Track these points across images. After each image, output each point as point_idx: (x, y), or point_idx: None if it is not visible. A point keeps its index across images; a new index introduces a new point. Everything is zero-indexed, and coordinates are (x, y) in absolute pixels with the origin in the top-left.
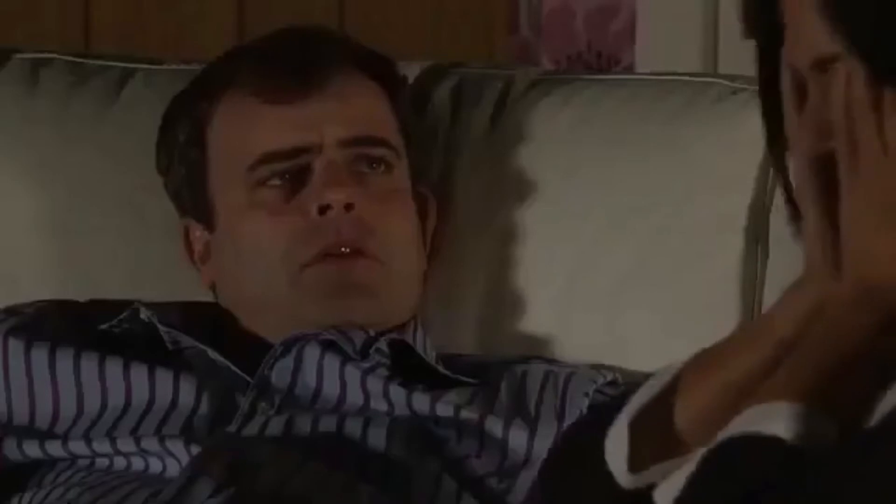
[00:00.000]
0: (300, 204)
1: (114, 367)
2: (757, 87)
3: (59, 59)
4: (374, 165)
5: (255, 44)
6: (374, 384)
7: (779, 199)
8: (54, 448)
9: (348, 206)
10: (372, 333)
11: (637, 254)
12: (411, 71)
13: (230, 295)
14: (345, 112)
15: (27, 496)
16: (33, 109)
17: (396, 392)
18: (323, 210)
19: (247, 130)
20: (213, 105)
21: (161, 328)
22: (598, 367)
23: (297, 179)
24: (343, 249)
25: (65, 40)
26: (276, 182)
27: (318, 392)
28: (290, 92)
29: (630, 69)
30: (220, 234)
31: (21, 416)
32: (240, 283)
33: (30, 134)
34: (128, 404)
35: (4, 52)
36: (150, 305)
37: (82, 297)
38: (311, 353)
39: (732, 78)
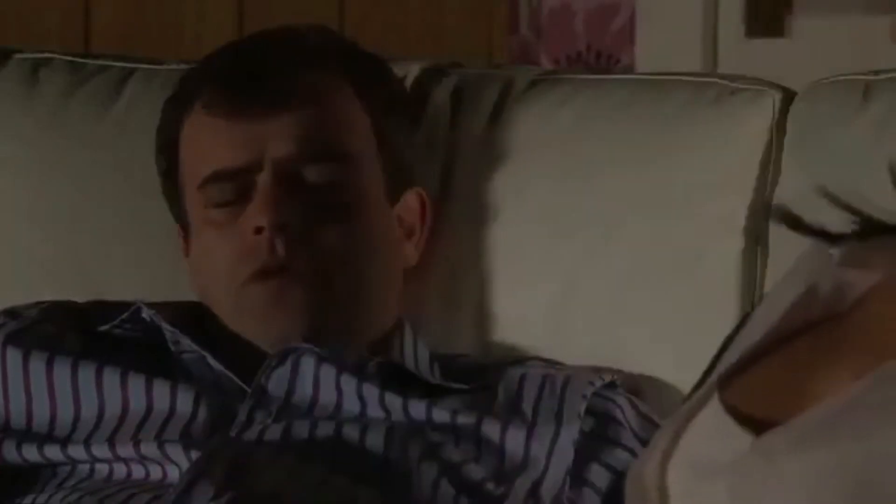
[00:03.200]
0: (241, 224)
1: (111, 376)
2: (756, 87)
3: (59, 59)
4: (321, 179)
5: (219, 53)
6: (370, 392)
7: (779, 198)
8: (53, 452)
9: (284, 227)
10: (363, 353)
11: (636, 254)
12: (411, 71)
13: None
14: (289, 129)
15: (27, 500)
16: (33, 109)
17: (392, 399)
18: (259, 230)
19: (199, 147)
20: (183, 116)
21: (165, 327)
22: (597, 369)
23: (244, 198)
24: (278, 269)
25: (65, 40)
26: (228, 198)
27: (314, 401)
28: (238, 109)
29: (630, 69)
30: (191, 245)
31: (19, 425)
32: (203, 294)
33: (30, 134)
34: (125, 413)
35: (4, 52)
36: (151, 305)
37: (82, 297)
38: (307, 362)
39: (732, 78)
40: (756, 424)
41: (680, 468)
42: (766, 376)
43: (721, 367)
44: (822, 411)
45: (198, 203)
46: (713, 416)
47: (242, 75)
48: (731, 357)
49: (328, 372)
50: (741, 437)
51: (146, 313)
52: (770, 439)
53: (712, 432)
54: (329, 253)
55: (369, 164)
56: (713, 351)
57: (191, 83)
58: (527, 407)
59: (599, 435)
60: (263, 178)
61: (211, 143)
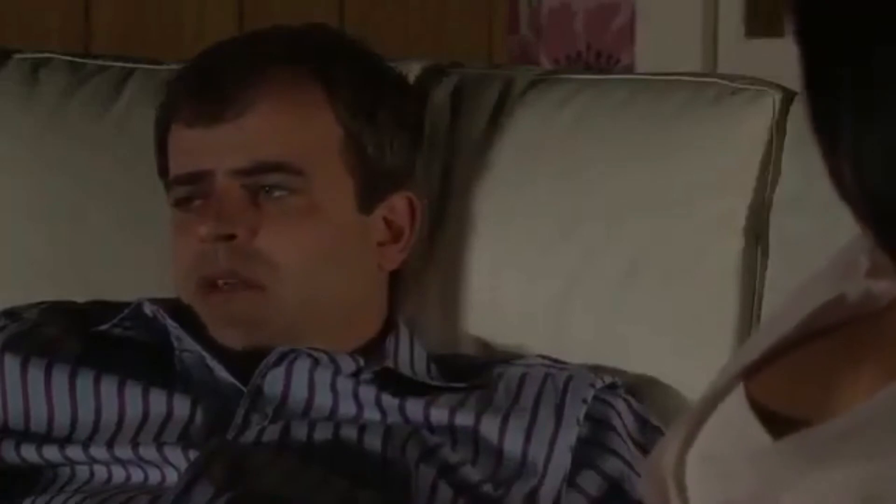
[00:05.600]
0: (192, 231)
1: (109, 385)
2: (756, 87)
3: (59, 59)
4: (270, 190)
5: (196, 57)
6: (367, 394)
7: (779, 198)
8: (51, 453)
9: (230, 237)
10: (361, 363)
11: (636, 254)
12: (411, 71)
13: None
14: (240, 140)
15: (26, 502)
16: (33, 109)
17: (389, 401)
18: (203, 239)
19: (171, 152)
20: (169, 119)
21: (169, 323)
22: (597, 370)
23: (203, 204)
24: (221, 281)
25: (65, 40)
26: (195, 203)
27: (310, 403)
28: (196, 116)
29: (630, 69)
30: None
31: (17, 426)
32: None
33: (30, 134)
34: (121, 420)
35: (4, 52)
36: (154, 301)
37: (82, 297)
38: (302, 364)
39: (732, 78)
40: (777, 420)
41: (697, 459)
42: (791, 370)
43: (745, 358)
44: (838, 425)
45: (171, 205)
46: (735, 408)
47: (203, 83)
48: (755, 348)
49: (323, 374)
50: (760, 435)
51: (149, 309)
52: (785, 452)
53: (732, 425)
54: (274, 264)
55: (331, 172)
56: (712, 349)
57: (169, 90)
58: (526, 402)
59: (595, 442)
60: (217, 188)
61: (175, 150)
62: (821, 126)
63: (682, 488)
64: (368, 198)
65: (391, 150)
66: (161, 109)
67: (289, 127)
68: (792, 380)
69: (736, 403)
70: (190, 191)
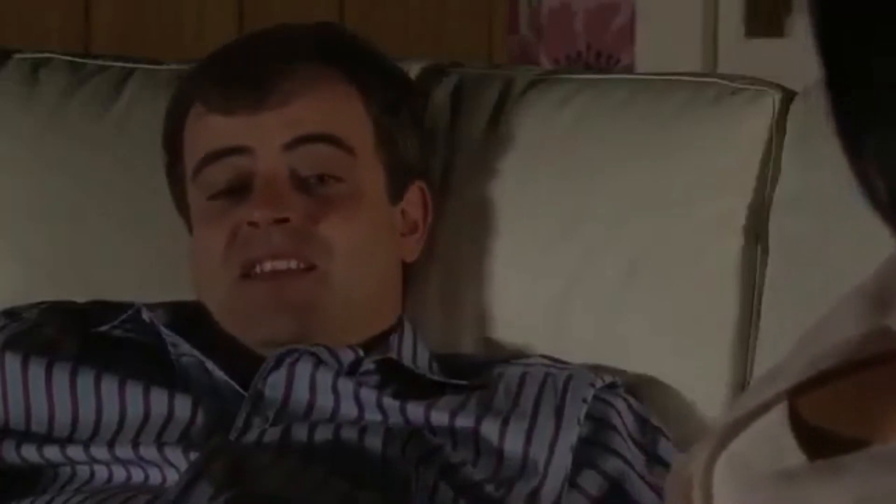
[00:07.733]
0: (236, 216)
1: (109, 384)
2: (756, 87)
3: (59, 59)
4: (319, 172)
5: (219, 51)
6: (368, 395)
7: (778, 198)
8: (52, 453)
9: (282, 220)
10: (361, 353)
11: (636, 254)
12: (411, 71)
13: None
14: (285, 117)
15: (25, 502)
16: (33, 109)
17: (390, 403)
18: (254, 224)
19: (195, 140)
20: (185, 113)
21: (163, 331)
22: (597, 370)
23: (241, 191)
24: (269, 265)
25: (65, 40)
26: (221, 187)
27: (311, 405)
28: (234, 104)
29: (630, 69)
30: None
31: (18, 426)
32: (198, 291)
33: (30, 134)
34: (122, 419)
35: (4, 52)
36: (151, 306)
37: (82, 297)
38: (304, 366)
39: (732, 78)
40: (825, 443)
41: (726, 469)
42: (845, 396)
43: (780, 382)
44: (875, 450)
45: (195, 196)
46: (774, 426)
47: (239, 71)
48: (789, 373)
49: (325, 375)
50: (796, 455)
51: (146, 315)
52: (813, 470)
53: (768, 442)
54: (330, 248)
55: (368, 161)
56: (712, 349)
57: (191, 82)
58: (526, 403)
59: (595, 441)
60: (263, 170)
61: (204, 135)
62: (845, 130)
63: (708, 496)
64: (395, 189)
65: (410, 146)
66: (177, 102)
67: (330, 112)
68: (850, 404)
69: (774, 423)
70: (228, 179)
